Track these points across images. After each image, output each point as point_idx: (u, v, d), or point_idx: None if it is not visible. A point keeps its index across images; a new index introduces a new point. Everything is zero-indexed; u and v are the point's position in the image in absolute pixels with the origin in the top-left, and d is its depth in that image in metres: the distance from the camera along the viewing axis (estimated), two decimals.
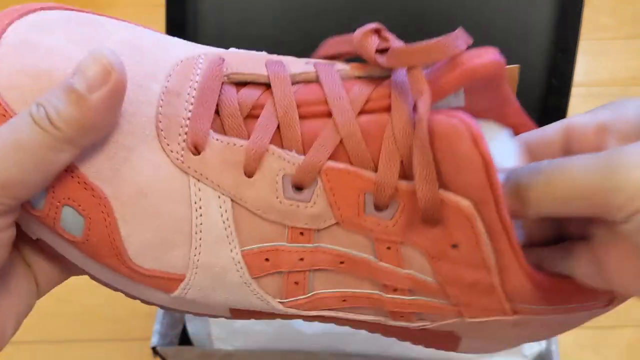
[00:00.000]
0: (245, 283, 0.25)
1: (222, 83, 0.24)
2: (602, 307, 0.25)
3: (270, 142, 0.23)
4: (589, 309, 0.25)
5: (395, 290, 0.25)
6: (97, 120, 0.22)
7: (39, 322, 0.73)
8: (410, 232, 0.23)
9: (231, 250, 0.24)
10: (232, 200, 0.24)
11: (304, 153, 0.23)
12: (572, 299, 0.25)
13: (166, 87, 0.24)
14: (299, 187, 0.24)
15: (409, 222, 0.23)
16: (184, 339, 0.58)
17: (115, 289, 0.26)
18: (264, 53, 0.26)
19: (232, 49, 0.27)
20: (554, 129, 0.25)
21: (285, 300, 0.26)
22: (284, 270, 0.25)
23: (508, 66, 0.26)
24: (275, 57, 0.26)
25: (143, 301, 0.27)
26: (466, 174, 0.22)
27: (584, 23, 0.51)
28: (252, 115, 0.24)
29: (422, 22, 0.53)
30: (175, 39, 0.27)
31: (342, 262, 0.25)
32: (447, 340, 0.28)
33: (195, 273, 0.25)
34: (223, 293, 0.25)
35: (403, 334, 0.29)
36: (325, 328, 0.54)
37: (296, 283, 0.25)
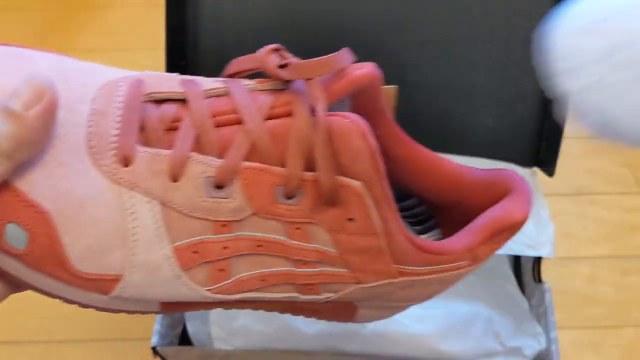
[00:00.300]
0: (176, 276, 0.28)
1: (143, 102, 0.28)
2: (467, 266, 0.31)
3: (192, 150, 0.27)
4: (457, 268, 0.31)
5: (304, 263, 0.29)
6: (32, 135, 0.25)
7: (39, 322, 0.73)
8: (315, 214, 0.28)
9: (163, 248, 0.28)
10: (161, 203, 0.27)
11: (222, 157, 0.27)
12: (444, 259, 0.30)
13: (93, 108, 0.27)
14: (219, 187, 0.27)
15: (314, 206, 0.28)
16: (184, 339, 0.58)
17: (54, 297, 0.29)
18: (176, 74, 0.30)
19: (147, 72, 0.30)
20: None
21: (212, 287, 0.29)
22: (210, 259, 0.28)
23: (385, 87, 0.31)
24: (187, 77, 0.30)
25: (80, 305, 0.29)
26: (359, 162, 0.27)
27: None
28: (172, 127, 0.28)
29: (422, 29, 0.53)
30: (97, 65, 0.30)
31: (259, 246, 0.28)
32: (346, 311, 0.33)
33: (132, 272, 0.28)
34: (157, 288, 0.28)
35: (310, 310, 0.33)
36: (325, 328, 0.54)
37: (221, 270, 0.29)
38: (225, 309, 0.31)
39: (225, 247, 0.28)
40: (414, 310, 0.53)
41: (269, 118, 0.28)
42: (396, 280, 0.30)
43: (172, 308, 0.31)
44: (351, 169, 0.27)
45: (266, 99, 0.28)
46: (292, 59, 0.28)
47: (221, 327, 0.55)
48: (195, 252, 0.28)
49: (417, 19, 0.53)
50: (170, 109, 0.28)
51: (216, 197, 0.27)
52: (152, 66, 0.92)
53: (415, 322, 0.53)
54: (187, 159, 0.27)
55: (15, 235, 0.26)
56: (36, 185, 0.26)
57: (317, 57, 0.29)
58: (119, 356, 0.68)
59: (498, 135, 0.59)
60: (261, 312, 0.54)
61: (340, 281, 0.30)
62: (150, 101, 0.28)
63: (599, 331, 0.70)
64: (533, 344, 0.54)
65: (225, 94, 0.29)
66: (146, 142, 0.27)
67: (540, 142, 0.58)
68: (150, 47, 0.98)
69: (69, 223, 0.26)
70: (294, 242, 0.28)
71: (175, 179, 0.27)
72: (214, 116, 0.28)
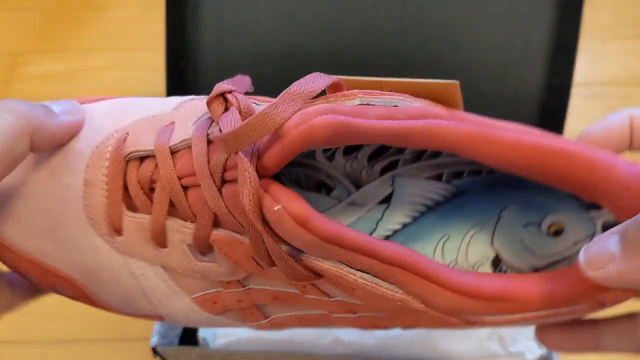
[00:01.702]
0: (210, 319, 0.28)
1: (126, 161, 0.26)
2: (589, 309, 0.24)
3: (169, 214, 0.25)
4: (570, 312, 0.23)
5: (336, 313, 0.27)
6: (54, 131, 0.26)
7: (39, 322, 0.73)
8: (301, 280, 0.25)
9: (183, 301, 0.27)
10: (162, 267, 0.27)
11: (195, 221, 0.25)
12: (529, 304, 0.24)
13: (85, 179, 0.26)
14: (203, 253, 0.26)
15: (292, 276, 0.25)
16: (184, 339, 0.58)
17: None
18: (166, 112, 0.27)
19: (134, 121, 0.27)
20: (616, 119, 0.27)
21: (252, 324, 0.29)
22: (233, 308, 0.28)
23: (445, 81, 0.26)
24: (169, 116, 0.27)
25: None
26: (299, 244, 0.23)
27: (584, 23, 0.51)
28: (154, 188, 0.26)
29: (421, 27, 0.53)
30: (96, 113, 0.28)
31: (275, 298, 0.26)
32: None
33: (168, 317, 0.28)
34: (202, 325, 0.29)
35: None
36: (325, 329, 0.53)
37: (252, 313, 0.28)
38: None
39: (239, 300, 0.27)
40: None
41: (225, 182, 0.24)
42: (458, 324, 0.25)
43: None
44: (297, 244, 0.23)
45: (220, 159, 0.24)
46: (233, 114, 0.24)
47: (221, 327, 0.55)
48: (214, 302, 0.27)
49: (417, 21, 0.53)
50: (147, 169, 0.26)
51: (206, 262, 0.26)
52: (152, 66, 0.92)
53: None
54: (164, 226, 0.25)
55: (63, 293, 0.29)
56: (58, 260, 0.27)
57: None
58: (119, 356, 0.68)
59: None
60: None
61: (390, 324, 0.27)
62: (133, 159, 0.26)
63: None
64: (534, 348, 0.54)
65: (189, 147, 0.26)
66: (133, 207, 0.26)
67: None
68: (150, 47, 0.97)
69: (94, 286, 0.28)
70: (309, 296, 0.26)
71: (161, 245, 0.26)
72: (181, 177, 0.25)
